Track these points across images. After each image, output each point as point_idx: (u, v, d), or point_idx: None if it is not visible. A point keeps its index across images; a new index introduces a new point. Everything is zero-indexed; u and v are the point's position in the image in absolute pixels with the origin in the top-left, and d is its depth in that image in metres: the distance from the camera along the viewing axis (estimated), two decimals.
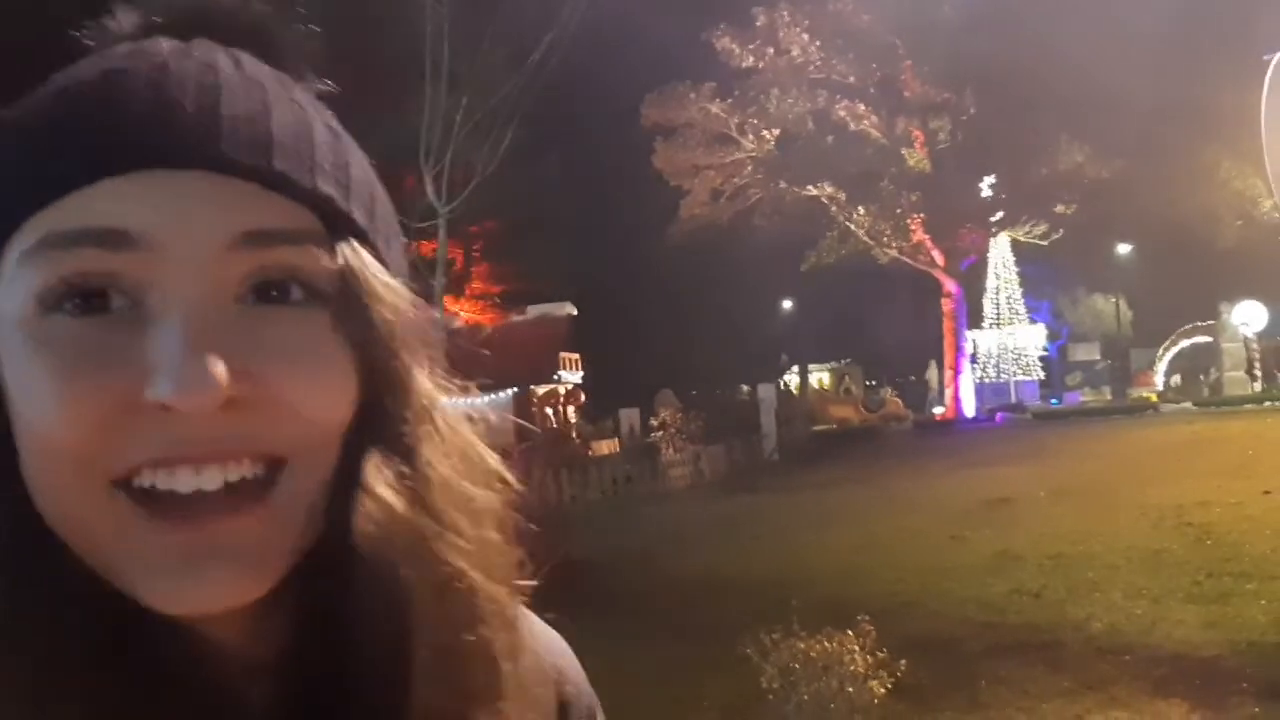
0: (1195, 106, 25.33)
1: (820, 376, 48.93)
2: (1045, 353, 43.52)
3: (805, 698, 4.54)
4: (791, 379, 49.80)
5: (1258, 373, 31.33)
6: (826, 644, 4.85)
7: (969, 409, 31.19)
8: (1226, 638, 6.23)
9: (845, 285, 39.00)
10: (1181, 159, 27.29)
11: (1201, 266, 35.66)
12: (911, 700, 5.90)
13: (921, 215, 29.11)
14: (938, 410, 33.41)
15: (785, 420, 25.98)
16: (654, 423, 20.58)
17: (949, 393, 32.44)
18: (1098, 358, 49.24)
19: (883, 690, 4.63)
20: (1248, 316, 41.73)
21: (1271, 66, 4.34)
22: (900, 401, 35.71)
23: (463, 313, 21.45)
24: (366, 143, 0.62)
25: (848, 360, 49.96)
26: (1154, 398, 31.57)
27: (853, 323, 49.36)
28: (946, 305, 31.99)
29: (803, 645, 4.72)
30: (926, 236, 29.82)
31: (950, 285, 31.79)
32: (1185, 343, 36.99)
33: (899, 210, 28.69)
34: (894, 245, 29.87)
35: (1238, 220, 29.00)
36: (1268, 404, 26.38)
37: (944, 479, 14.77)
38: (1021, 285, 40.47)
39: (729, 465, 19.85)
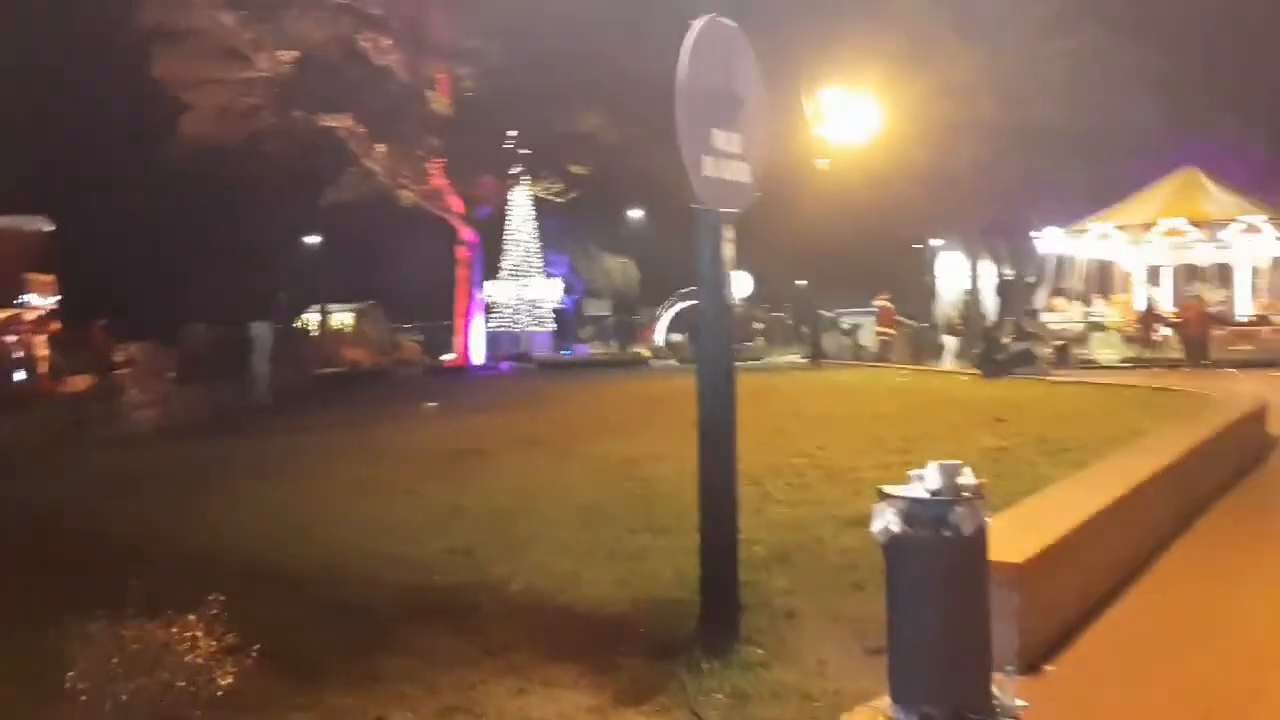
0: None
1: (343, 317, 47.50)
2: (561, 306, 45.37)
3: (125, 697, 3.82)
4: (313, 318, 47.90)
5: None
6: (174, 626, 4.15)
7: (478, 356, 31.55)
8: (633, 595, 6.33)
9: (373, 225, 37.82)
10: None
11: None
12: (297, 679, 5.38)
13: (442, 160, 28.73)
14: (448, 357, 33.53)
15: (286, 361, 24.63)
16: (118, 359, 18.48)
17: (459, 340, 32.61)
18: (608, 313, 52.25)
19: (227, 679, 4.01)
20: (735, 284, 46.21)
21: (693, 31, 4.34)
22: (416, 346, 35.42)
23: None
24: None
25: (371, 302, 48.90)
26: (648, 353, 33.84)
27: (380, 264, 48.20)
28: (461, 253, 32.02)
29: (132, 631, 3.98)
30: (445, 182, 29.53)
31: (466, 234, 31.85)
32: (681, 304, 40.06)
33: (419, 153, 28.11)
34: (412, 188, 29.27)
35: None
36: (738, 363, 29.20)
37: (426, 426, 14.55)
38: (541, 240, 41.74)
39: (210, 408, 18.33)
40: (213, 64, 27.01)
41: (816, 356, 28.19)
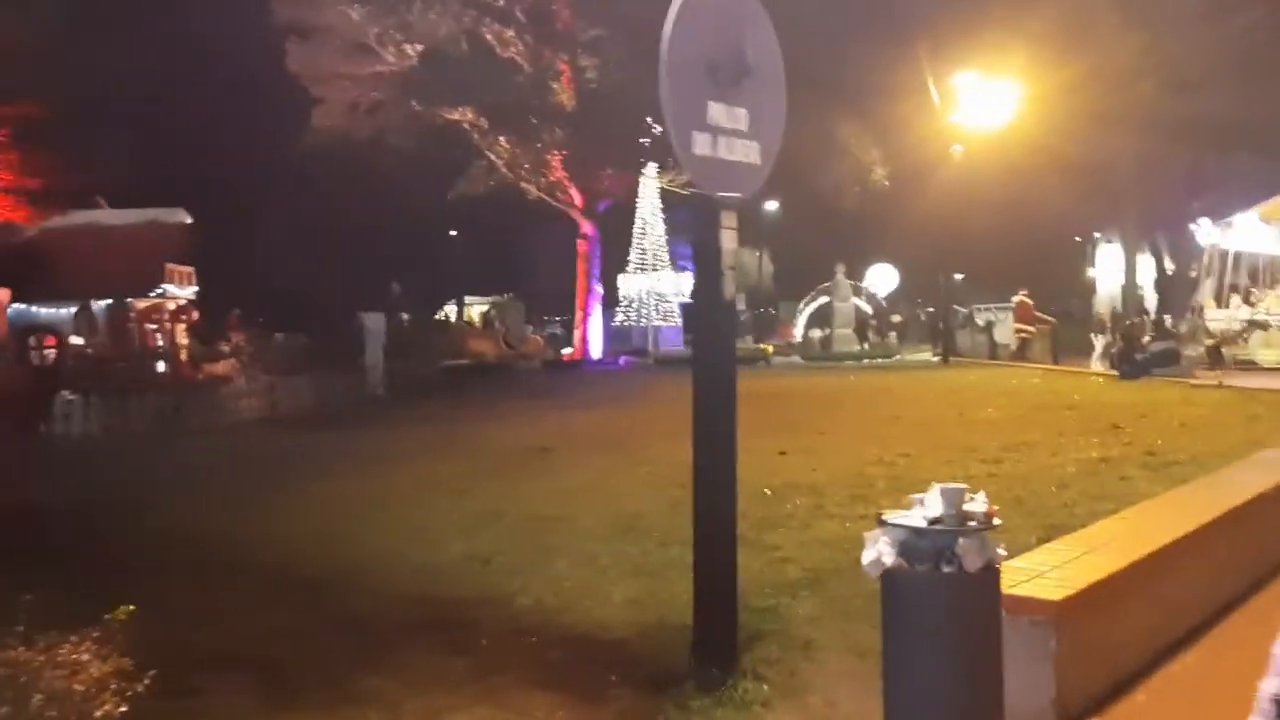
0: (819, 74, 26.21)
1: (482, 309, 48.16)
2: (691, 300, 44.79)
3: None
4: (451, 310, 48.73)
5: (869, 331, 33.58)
6: (64, 646, 3.84)
7: (596, 351, 31.36)
8: (641, 618, 5.84)
9: (510, 217, 38.05)
10: (808, 124, 28.23)
11: (835, 228, 37.69)
12: (267, 698, 5.10)
13: (563, 152, 28.58)
14: (566, 351, 33.45)
15: (406, 352, 24.91)
16: (224, 348, 18.87)
17: (577, 334, 32.48)
18: (743, 308, 51.50)
19: (110, 706, 3.68)
20: (879, 278, 44.83)
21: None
22: (540, 340, 35.45)
23: None
24: None
25: (510, 295, 49.42)
26: (769, 349, 33.02)
27: (518, 257, 48.65)
28: (581, 246, 31.88)
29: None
30: (565, 174, 29.38)
31: (586, 226, 31.67)
32: (822, 300, 39.05)
33: (539, 145, 28.02)
34: (533, 180, 29.24)
35: (856, 186, 30.58)
36: (865, 361, 28.22)
37: (514, 421, 14.32)
38: (671, 233, 41.27)
39: (316, 399, 18.53)
40: (342, 59, 27.49)
41: (948, 354, 26.93)
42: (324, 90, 27.92)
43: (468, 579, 6.58)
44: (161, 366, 24.72)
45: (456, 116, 28.17)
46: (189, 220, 28.02)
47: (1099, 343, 25.23)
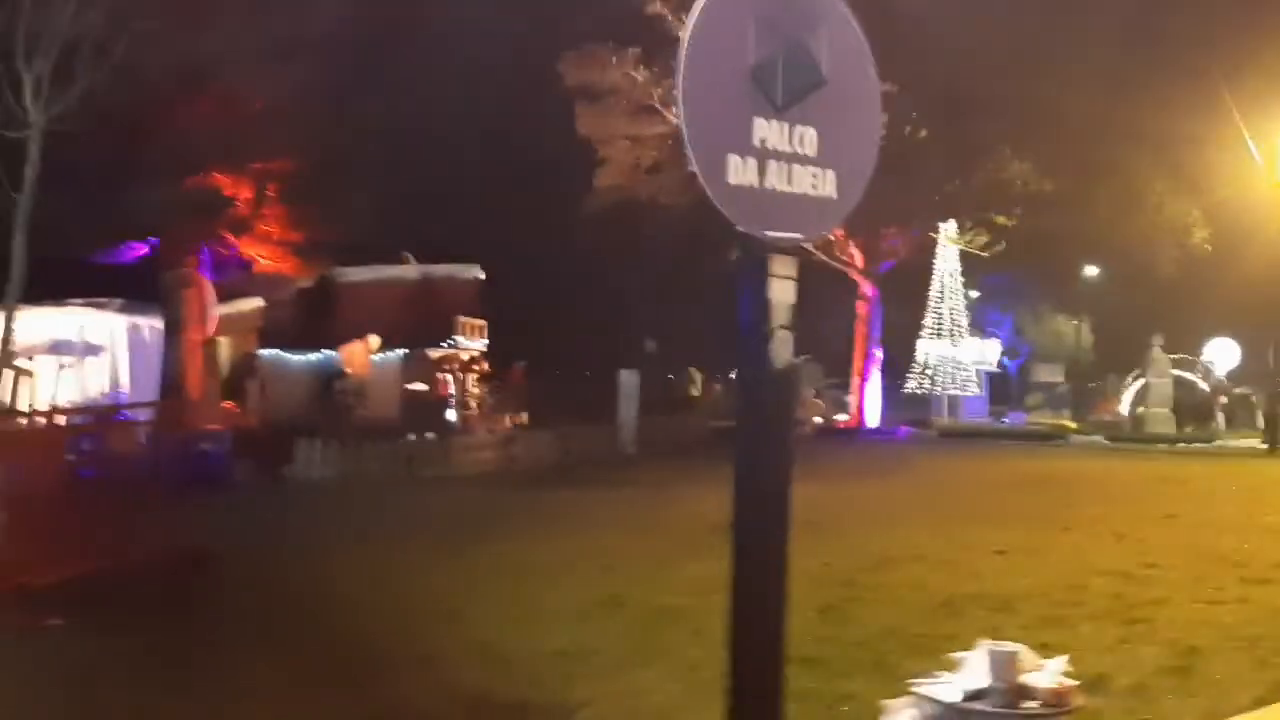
0: (1130, 128, 23.79)
1: None
2: (1000, 369, 41.90)
3: None
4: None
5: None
6: None
7: (873, 418, 29.70)
8: None
9: (804, 279, 37.16)
10: (1119, 180, 25.67)
11: (1159, 295, 34.00)
12: None
13: None
14: (841, 417, 31.84)
15: (667, 410, 24.56)
16: (466, 400, 19.11)
17: (854, 400, 30.90)
18: (1060, 380, 47.54)
19: None
20: (1218, 353, 39.98)
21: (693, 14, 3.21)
22: (820, 403, 33.97)
23: (261, 257, 19.87)
24: None
25: (807, 357, 48.22)
26: (1072, 425, 30.01)
27: (812, 319, 47.53)
28: (861, 308, 30.44)
29: None
30: (843, 233, 28.15)
31: (866, 287, 30.22)
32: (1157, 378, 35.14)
33: None
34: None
35: (1174, 249, 27.39)
36: (1180, 445, 24.87)
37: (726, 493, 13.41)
38: (981, 298, 38.72)
39: (559, 453, 18.36)
40: (627, 120, 27.84)
41: (1275, 442, 23.23)
42: (608, 151, 28.38)
43: (546, 679, 5.76)
44: (452, 415, 25.64)
45: None
46: (482, 275, 29.14)
47: None
